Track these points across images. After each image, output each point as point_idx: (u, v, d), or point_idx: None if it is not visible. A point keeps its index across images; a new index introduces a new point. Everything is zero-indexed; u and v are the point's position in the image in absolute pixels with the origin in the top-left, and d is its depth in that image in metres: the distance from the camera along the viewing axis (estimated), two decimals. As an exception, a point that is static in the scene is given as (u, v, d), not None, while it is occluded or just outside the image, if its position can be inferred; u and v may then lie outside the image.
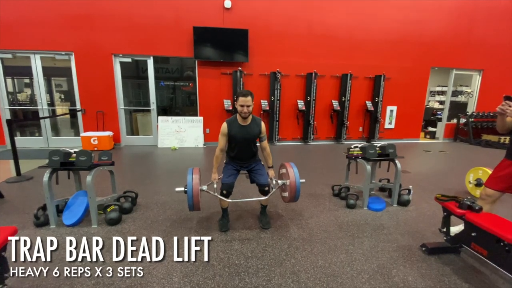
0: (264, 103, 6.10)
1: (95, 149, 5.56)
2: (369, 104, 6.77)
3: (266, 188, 2.29)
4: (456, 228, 2.35)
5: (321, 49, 6.36)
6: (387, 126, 7.29)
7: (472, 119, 7.52)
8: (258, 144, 2.40)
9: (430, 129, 8.47)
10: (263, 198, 2.31)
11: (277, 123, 6.25)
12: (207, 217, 2.59)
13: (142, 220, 2.51)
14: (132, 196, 2.76)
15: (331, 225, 2.48)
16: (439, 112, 8.83)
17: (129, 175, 3.97)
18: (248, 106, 2.11)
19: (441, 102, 8.93)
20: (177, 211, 2.72)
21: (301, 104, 6.29)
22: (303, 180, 2.35)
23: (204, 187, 2.24)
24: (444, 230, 2.11)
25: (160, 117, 6.04)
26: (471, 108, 7.92)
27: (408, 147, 6.67)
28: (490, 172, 3.13)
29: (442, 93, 8.99)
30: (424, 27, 6.76)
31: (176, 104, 6.75)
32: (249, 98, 2.10)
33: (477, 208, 1.83)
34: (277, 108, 6.20)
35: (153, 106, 6.09)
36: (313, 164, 4.95)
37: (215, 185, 2.29)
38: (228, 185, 2.23)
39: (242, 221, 2.51)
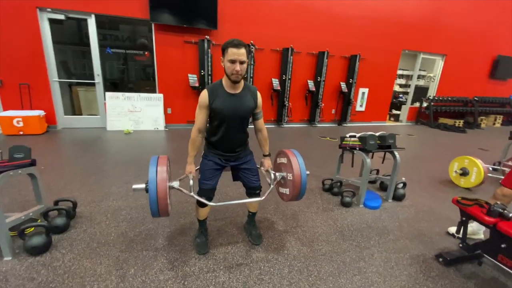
0: (236, 81, 5.38)
1: (21, 133, 4.34)
2: (343, 85, 6.51)
3: (258, 191, 1.75)
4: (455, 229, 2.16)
5: (298, 21, 5.74)
6: (358, 108, 7.19)
7: (433, 103, 7.87)
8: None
9: (394, 112, 8.72)
10: (256, 199, 1.71)
11: (250, 103, 5.62)
12: (179, 230, 1.98)
13: (85, 242, 1.80)
14: (67, 207, 1.98)
15: (331, 232, 2.09)
16: (400, 95, 9.10)
17: (66, 170, 3.05)
18: (242, 63, 1.41)
19: (401, 86, 9.19)
20: (135, 223, 2.05)
21: (276, 83, 5.72)
22: (308, 172, 1.71)
23: (175, 184, 1.54)
24: (460, 236, 1.87)
25: (108, 93, 4.93)
26: (432, 92, 8.26)
27: (379, 130, 6.68)
28: (477, 162, 3.06)
29: (402, 76, 9.22)
30: (398, 7, 6.54)
31: (129, 77, 5.58)
32: (243, 50, 1.39)
33: (510, 215, 1.57)
34: (251, 87, 5.54)
35: (98, 79, 4.92)
36: (292, 150, 4.54)
37: (191, 181, 1.57)
38: (209, 190, 1.63)
39: (225, 235, 1.96)
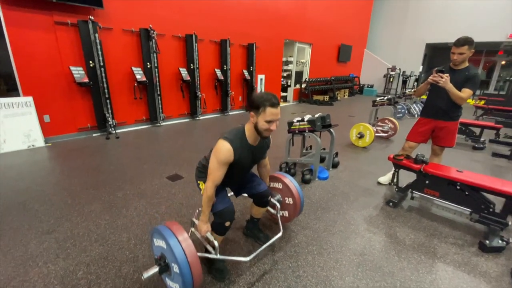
0: (138, 72, 4.53)
1: None
2: (246, 73, 6.83)
3: (268, 199, 1.70)
4: (385, 178, 2.92)
5: (198, 7, 5.39)
6: (258, 93, 7.77)
7: (309, 84, 9.63)
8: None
9: (283, 94, 10.03)
10: (276, 238, 1.68)
11: (159, 97, 4.92)
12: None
13: None
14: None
15: (314, 209, 2.32)
16: (282, 80, 10.52)
17: None
18: (276, 121, 1.35)
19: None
20: (110, 280, 1.49)
21: (184, 73, 5.26)
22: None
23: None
24: (395, 182, 2.54)
25: None
26: (306, 75, 10.03)
27: (279, 111, 7.53)
28: (368, 126, 4.10)
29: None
30: (277, 1, 7.33)
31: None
32: (279, 108, 1.32)
33: (427, 161, 2.28)
34: (157, 79, 4.83)
35: None
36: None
37: (215, 242, 1.41)
38: (230, 210, 1.45)
39: (232, 250, 1.78)
